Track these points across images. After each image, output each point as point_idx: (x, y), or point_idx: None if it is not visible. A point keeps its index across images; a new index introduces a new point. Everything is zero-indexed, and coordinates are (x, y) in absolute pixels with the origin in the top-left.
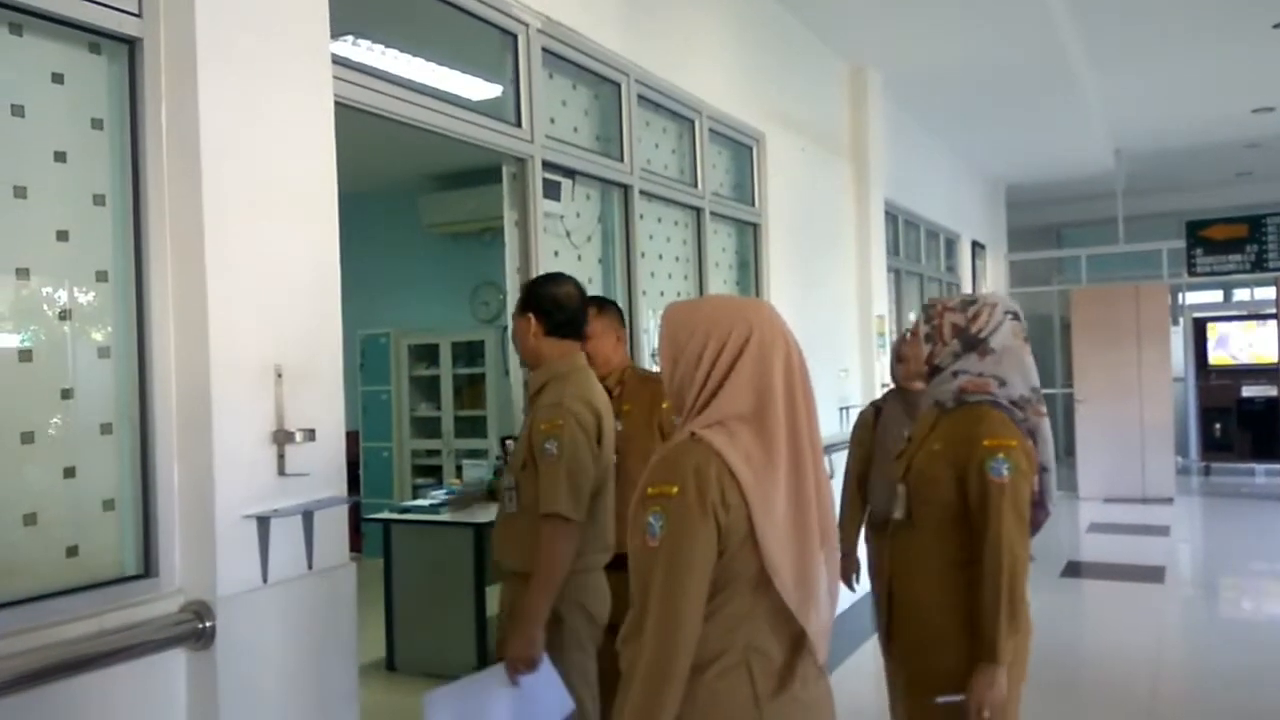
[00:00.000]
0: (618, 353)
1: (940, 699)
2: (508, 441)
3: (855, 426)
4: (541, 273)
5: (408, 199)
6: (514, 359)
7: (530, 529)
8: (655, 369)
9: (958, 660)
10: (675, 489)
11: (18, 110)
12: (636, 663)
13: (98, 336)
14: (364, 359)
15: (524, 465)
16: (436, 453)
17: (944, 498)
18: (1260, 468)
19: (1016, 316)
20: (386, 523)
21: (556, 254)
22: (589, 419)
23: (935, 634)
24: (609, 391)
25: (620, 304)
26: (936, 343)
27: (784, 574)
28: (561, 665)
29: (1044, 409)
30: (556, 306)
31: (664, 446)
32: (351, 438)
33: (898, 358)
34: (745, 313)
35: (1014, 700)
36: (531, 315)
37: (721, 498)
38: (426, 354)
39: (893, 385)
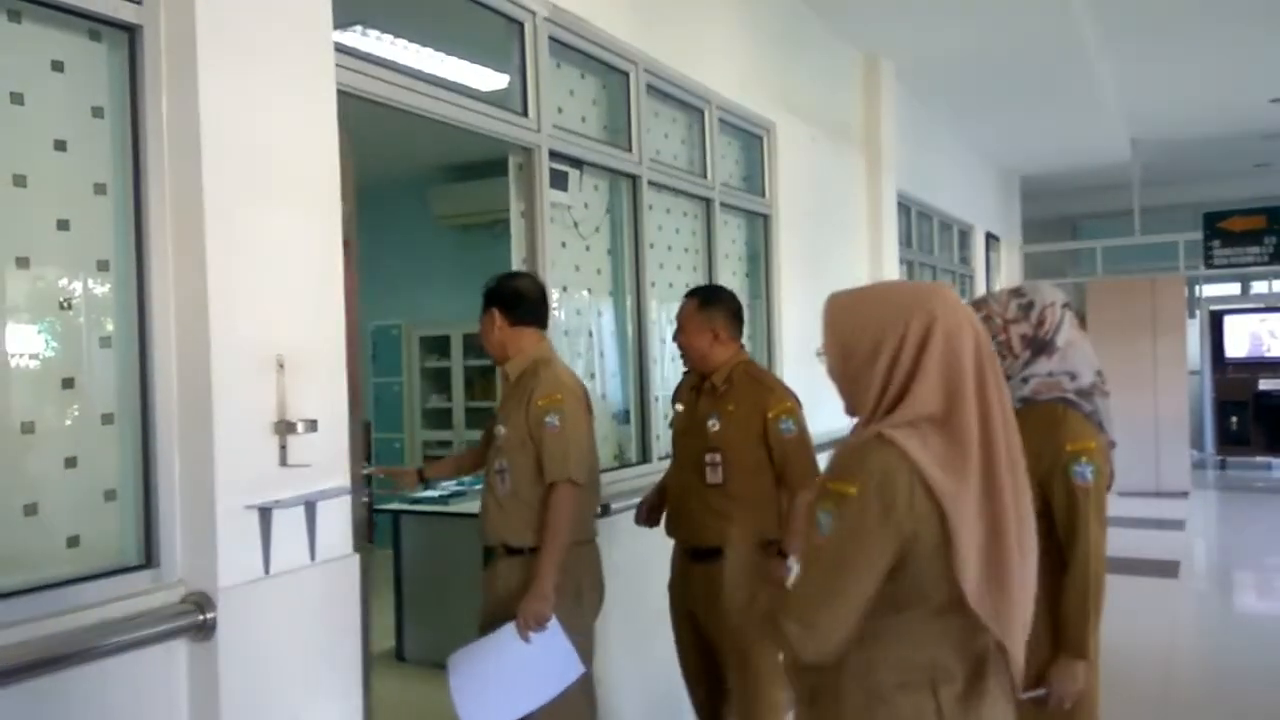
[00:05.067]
0: (716, 350)
1: (1023, 695)
2: (499, 428)
3: None
4: (545, 265)
5: (418, 191)
6: None
7: (529, 506)
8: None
9: (1037, 659)
10: (853, 489)
11: (17, 98)
12: (783, 646)
13: (99, 326)
14: (375, 350)
15: (520, 445)
16: (448, 444)
17: None
18: (1277, 461)
19: (1068, 305)
20: (396, 514)
21: (564, 245)
22: (584, 397)
23: None
24: (714, 388)
25: (628, 295)
26: (1006, 358)
27: (977, 587)
28: (580, 635)
29: (1107, 388)
30: (519, 298)
31: (848, 441)
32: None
33: None
34: (923, 300)
35: (1095, 691)
36: (496, 310)
37: (910, 506)
38: (438, 346)
39: None
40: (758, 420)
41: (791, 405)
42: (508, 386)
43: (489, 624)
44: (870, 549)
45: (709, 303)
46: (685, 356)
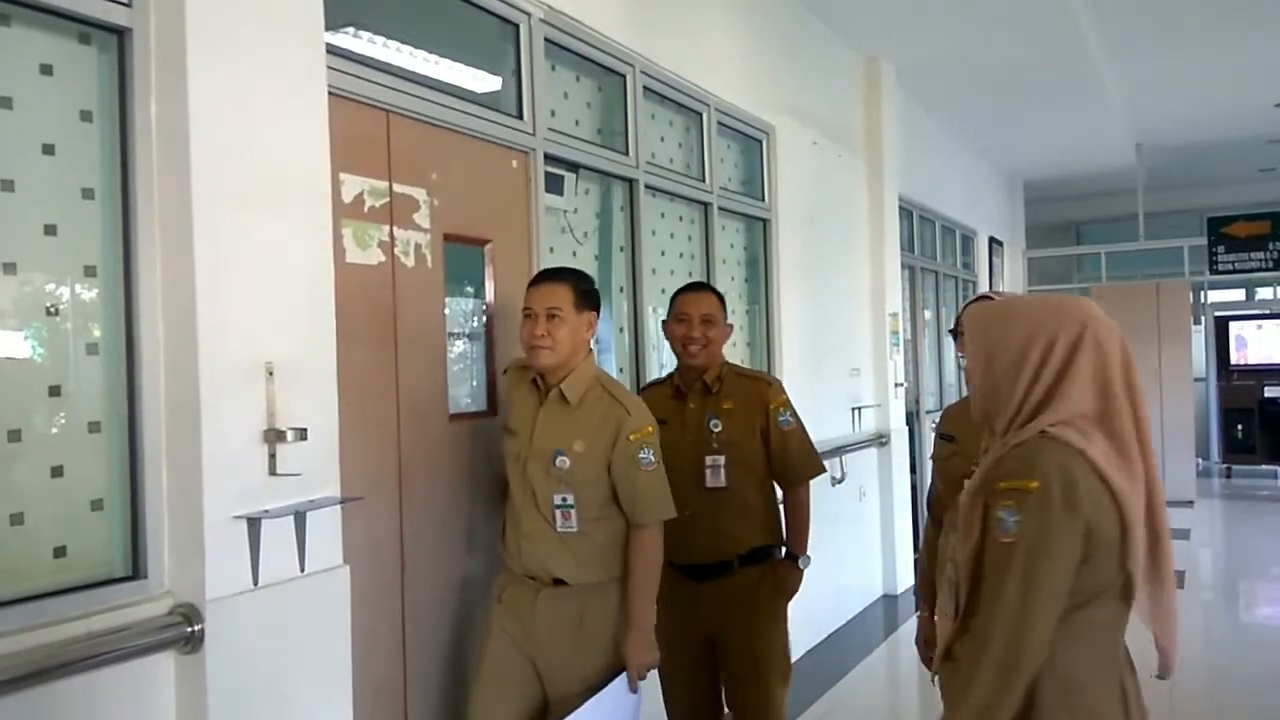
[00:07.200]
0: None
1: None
2: (561, 459)
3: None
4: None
5: None
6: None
7: (594, 543)
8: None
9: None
10: (1035, 484)
11: (5, 102)
12: (979, 659)
13: (86, 332)
14: None
15: (596, 481)
16: None
17: None
18: None
19: None
20: None
21: (551, 250)
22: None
23: None
24: (707, 387)
25: (625, 302)
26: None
27: (1142, 586)
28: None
29: None
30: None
31: (1008, 443)
32: None
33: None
34: (1073, 309)
35: None
36: (595, 314)
37: (1091, 499)
38: None
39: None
40: (760, 415)
41: (786, 397)
42: (560, 408)
43: (514, 655)
44: (1063, 539)
45: (721, 297)
46: (694, 353)
